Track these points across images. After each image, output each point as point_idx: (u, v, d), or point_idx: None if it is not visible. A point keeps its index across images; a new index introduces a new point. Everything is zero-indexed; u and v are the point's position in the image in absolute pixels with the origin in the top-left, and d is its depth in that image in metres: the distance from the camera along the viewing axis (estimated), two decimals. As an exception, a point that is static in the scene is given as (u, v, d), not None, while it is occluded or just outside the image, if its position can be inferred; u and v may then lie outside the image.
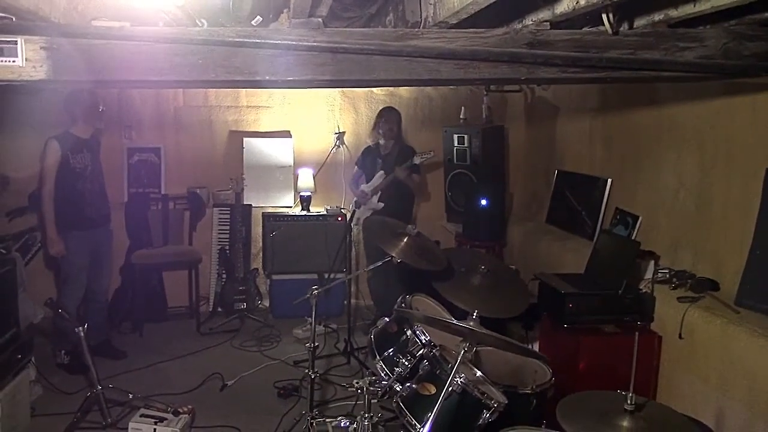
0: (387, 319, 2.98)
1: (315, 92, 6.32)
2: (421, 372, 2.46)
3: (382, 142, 5.56)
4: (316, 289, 3.21)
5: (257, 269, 6.19)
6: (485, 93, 6.27)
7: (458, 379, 2.15)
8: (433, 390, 2.29)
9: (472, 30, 2.37)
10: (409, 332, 2.77)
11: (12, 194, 5.77)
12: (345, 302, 5.82)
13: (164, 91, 6.15)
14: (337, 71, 2.30)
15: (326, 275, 5.72)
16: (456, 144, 6.05)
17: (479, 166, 5.90)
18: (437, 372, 2.34)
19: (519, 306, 3.16)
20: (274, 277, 6.10)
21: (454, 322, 2.04)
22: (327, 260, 5.78)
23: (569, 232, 5.20)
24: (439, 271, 3.17)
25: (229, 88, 5.36)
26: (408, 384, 2.43)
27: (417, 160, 5.36)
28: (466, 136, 5.98)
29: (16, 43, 2.15)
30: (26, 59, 2.16)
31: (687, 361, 3.37)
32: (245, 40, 2.19)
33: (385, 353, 2.82)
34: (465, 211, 5.87)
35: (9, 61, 2.14)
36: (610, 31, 2.36)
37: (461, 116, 6.23)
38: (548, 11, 2.32)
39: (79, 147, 4.75)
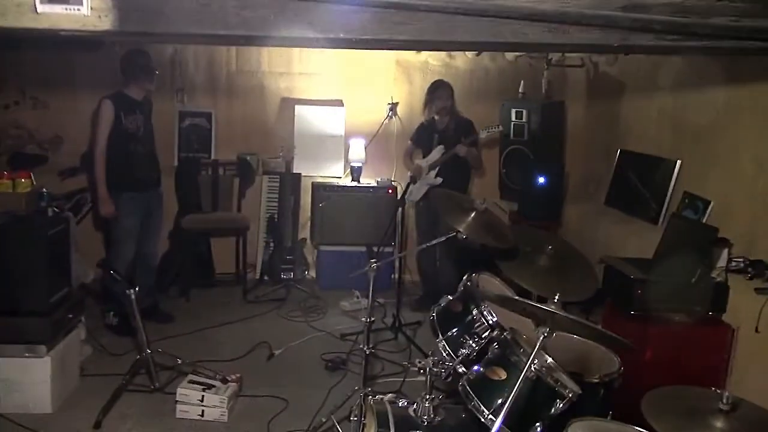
0: (450, 297, 2.85)
1: (369, 61, 6.16)
2: (490, 355, 2.33)
3: (437, 118, 5.38)
4: (375, 262, 3.07)
5: (305, 239, 6.11)
6: (546, 67, 6.04)
7: (534, 366, 2.01)
8: (504, 375, 2.16)
9: (562, -10, 2.19)
10: (475, 312, 2.63)
11: (65, 154, 5.80)
12: (392, 276, 5.73)
13: (218, 54, 6.07)
14: (415, 31, 2.14)
15: (375, 248, 5.62)
16: (514, 119, 5.85)
17: (537, 142, 5.70)
18: (509, 357, 2.20)
19: (587, 290, 2.99)
20: (322, 247, 6.02)
21: (537, 305, 1.91)
22: (375, 233, 5.66)
23: (631, 215, 4.98)
24: (503, 250, 3.02)
25: (299, 46, 5.17)
26: (476, 367, 2.30)
27: (483, 134, 5.17)
28: (524, 111, 5.78)
29: (81, -10, 2.05)
30: (91, 8, 2.06)
31: (764, 355, 3.17)
32: (320, -7, 2.06)
33: (449, 333, 2.69)
34: (521, 189, 5.69)
35: (74, 9, 2.04)
36: (716, -5, 2.15)
37: (520, 90, 6.02)
38: (649, -29, 2.12)
39: (132, 108, 4.70)
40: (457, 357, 2.57)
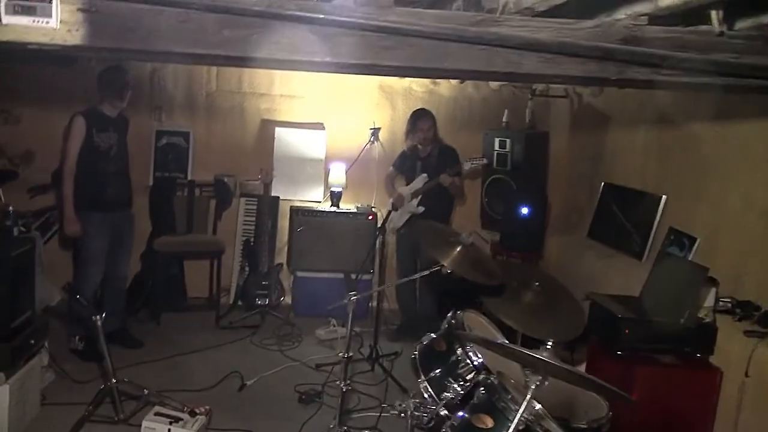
0: (433, 335, 2.72)
1: (352, 85, 6.09)
2: (475, 401, 2.19)
3: (420, 146, 5.28)
4: (354, 295, 2.94)
5: (282, 264, 5.95)
6: (530, 97, 6.00)
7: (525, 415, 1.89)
8: (490, 424, 2.03)
9: (558, 20, 2.10)
10: (459, 352, 2.50)
11: (36, 170, 5.60)
12: (369, 305, 5.58)
13: (197, 73, 5.95)
14: (404, 57, 2.03)
15: (353, 276, 5.49)
16: (497, 148, 5.79)
17: (520, 172, 5.63)
18: (496, 403, 2.07)
19: (574, 329, 2.88)
20: (298, 273, 5.86)
21: (530, 353, 1.78)
22: (354, 260, 5.55)
23: (614, 250, 4.91)
24: (488, 285, 2.90)
25: (282, 69, 5.07)
26: (461, 413, 2.17)
27: (467, 166, 5.07)
28: (508, 141, 5.73)
29: (51, 2, 1.91)
30: (61, 21, 1.92)
31: (754, 401, 3.08)
32: (307, 15, 1.94)
33: (431, 373, 2.55)
34: (503, 219, 5.60)
35: (42, 22, 1.90)
36: (716, 30, 2.07)
37: (504, 119, 5.97)
38: (649, 3, 2.04)
39: (105, 126, 4.55)
40: (440, 400, 2.44)
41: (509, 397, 2.05)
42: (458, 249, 2.76)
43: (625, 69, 2.12)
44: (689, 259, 3.92)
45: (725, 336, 3.32)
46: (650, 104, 4.71)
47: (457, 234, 2.85)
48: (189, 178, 5.95)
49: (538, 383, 1.79)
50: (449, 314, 2.76)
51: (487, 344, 2.25)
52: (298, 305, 5.84)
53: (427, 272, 2.93)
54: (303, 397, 4.26)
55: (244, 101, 6.09)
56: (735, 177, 3.77)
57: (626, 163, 5.09)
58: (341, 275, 5.65)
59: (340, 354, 3.03)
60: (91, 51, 2.03)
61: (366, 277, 5.69)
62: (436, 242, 2.86)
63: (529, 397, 1.79)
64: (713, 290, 3.52)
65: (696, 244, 3.97)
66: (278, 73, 6.01)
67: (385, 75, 5.17)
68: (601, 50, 2.00)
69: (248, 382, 4.44)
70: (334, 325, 5.40)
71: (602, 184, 5.30)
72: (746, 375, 3.08)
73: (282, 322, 5.58)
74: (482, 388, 2.21)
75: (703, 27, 2.17)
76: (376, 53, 2.04)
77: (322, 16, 1.94)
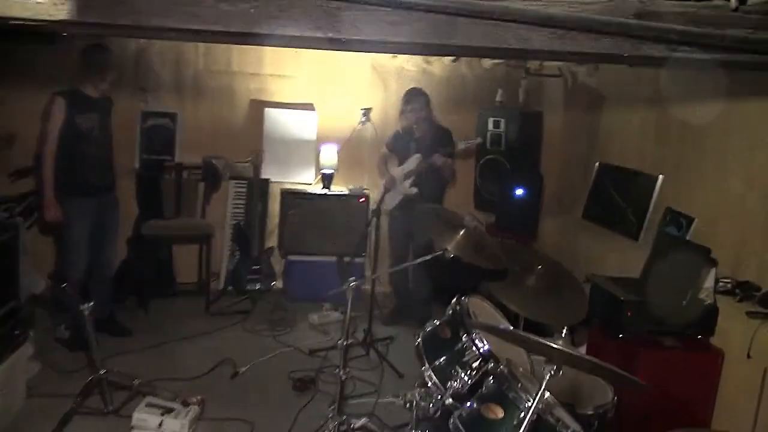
0: (437, 321, 2.64)
1: (343, 64, 5.96)
2: (484, 390, 2.12)
3: (414, 126, 5.17)
4: (354, 280, 2.85)
5: (273, 248, 5.85)
6: (524, 76, 5.91)
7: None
8: (501, 413, 1.96)
9: (569, -7, 2.01)
10: (465, 338, 2.43)
11: (18, 153, 5.42)
12: (362, 288, 5.51)
13: (184, 53, 5.78)
14: (411, 33, 1.93)
15: (346, 259, 5.42)
16: (491, 128, 5.70)
17: (515, 152, 5.56)
18: (506, 393, 2.00)
19: (578, 313, 2.81)
20: (290, 257, 5.77)
21: (543, 341, 1.71)
22: (347, 242, 5.47)
23: (610, 230, 4.87)
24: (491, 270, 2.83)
25: (279, 45, 4.88)
26: (470, 403, 2.09)
27: (462, 146, 4.98)
28: (502, 120, 5.65)
29: (34, -27, 1.79)
30: (46, -6, 1.81)
31: (755, 383, 3.04)
32: (308, -13, 1.84)
33: (437, 362, 2.48)
34: (498, 200, 5.53)
35: (25, -4, 1.79)
36: (732, 4, 1.99)
37: (497, 99, 5.88)
38: (664, -24, 1.96)
39: (87, 107, 4.39)
40: (446, 389, 2.37)
41: (519, 385, 1.98)
42: (461, 233, 2.68)
43: (639, 45, 2.03)
44: (687, 238, 3.88)
45: (726, 317, 3.28)
46: (646, 83, 4.64)
47: (461, 217, 2.77)
48: (176, 160, 5.79)
49: (552, 373, 1.72)
50: (453, 300, 2.68)
51: (498, 333, 2.17)
52: (290, 290, 5.76)
53: (429, 257, 2.85)
54: (297, 383, 4.19)
55: (232, 81, 5.94)
56: (735, 158, 3.72)
57: (622, 142, 5.04)
58: (334, 258, 5.58)
59: (339, 341, 2.94)
60: (78, 27, 1.90)
61: (359, 260, 5.62)
62: (438, 226, 2.77)
63: (542, 388, 1.72)
64: (713, 271, 3.48)
65: (693, 224, 3.93)
66: (268, 52, 5.86)
67: (389, 52, 5.02)
68: (616, 25, 1.91)
69: (241, 369, 4.35)
70: (328, 310, 5.33)
71: (597, 164, 5.25)
72: (748, 356, 3.04)
73: (274, 307, 5.50)
74: (491, 377, 2.14)
75: (718, 1, 2.09)
76: (382, 29, 1.93)
77: (324, -11, 1.84)
